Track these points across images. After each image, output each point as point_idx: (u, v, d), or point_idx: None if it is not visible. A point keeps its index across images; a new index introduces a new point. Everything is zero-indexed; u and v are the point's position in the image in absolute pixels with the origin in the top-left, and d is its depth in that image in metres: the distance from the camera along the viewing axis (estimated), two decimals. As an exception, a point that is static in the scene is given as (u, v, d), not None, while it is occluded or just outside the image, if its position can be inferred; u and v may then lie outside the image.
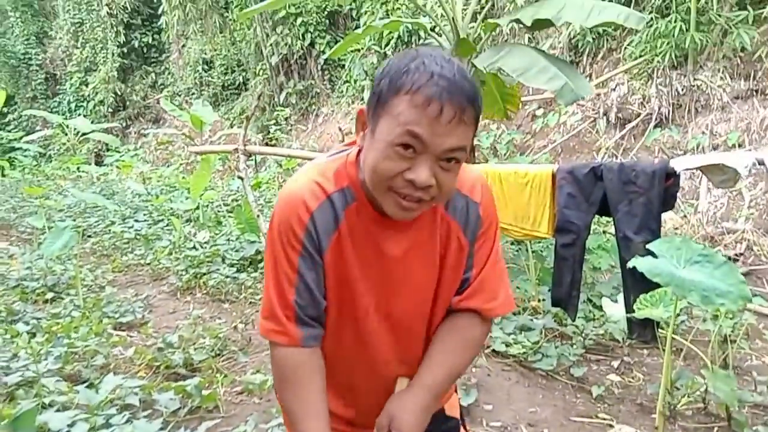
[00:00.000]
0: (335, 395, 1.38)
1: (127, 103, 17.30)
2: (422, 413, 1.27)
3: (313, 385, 1.24)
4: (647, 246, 2.54)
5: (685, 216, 6.02)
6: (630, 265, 2.46)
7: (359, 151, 1.21)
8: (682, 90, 6.80)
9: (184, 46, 15.47)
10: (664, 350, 2.64)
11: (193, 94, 14.85)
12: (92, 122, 13.09)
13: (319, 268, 1.23)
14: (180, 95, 15.49)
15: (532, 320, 3.70)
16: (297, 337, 1.22)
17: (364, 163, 1.17)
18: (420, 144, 1.09)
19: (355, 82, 11.13)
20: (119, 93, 17.06)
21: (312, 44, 11.93)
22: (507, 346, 3.37)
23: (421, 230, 1.26)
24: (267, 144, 11.97)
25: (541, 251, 5.00)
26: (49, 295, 4.69)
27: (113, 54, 16.79)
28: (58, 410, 2.47)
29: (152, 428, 2.33)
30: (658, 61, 6.89)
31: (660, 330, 3.13)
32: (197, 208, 7.26)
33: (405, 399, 1.28)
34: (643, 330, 3.06)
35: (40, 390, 2.74)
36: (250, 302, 4.48)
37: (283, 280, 1.22)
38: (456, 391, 1.61)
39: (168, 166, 12.96)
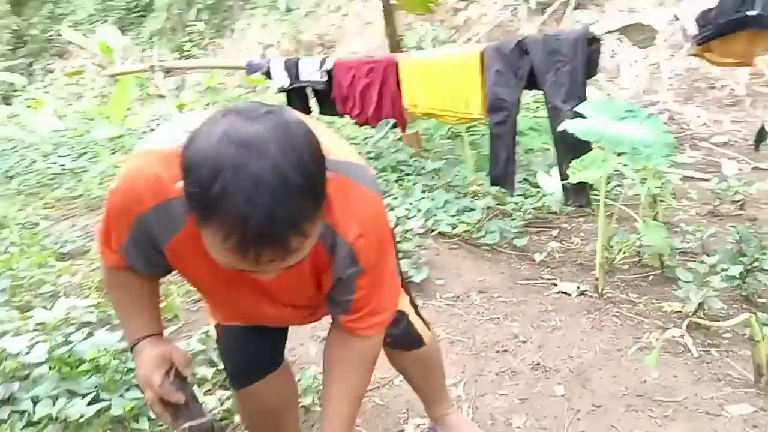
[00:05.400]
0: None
1: (27, 38, 16.03)
2: None
3: (143, 290, 1.31)
4: (575, 110, 2.64)
5: (609, 94, 6.20)
6: (561, 128, 2.56)
7: None
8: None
9: (78, -32, 14.34)
10: (598, 215, 2.79)
11: (96, 21, 13.89)
12: (-9, 63, 12.14)
13: (153, 252, 1.19)
14: (83, 24, 14.46)
15: (473, 202, 3.82)
16: (125, 266, 1.25)
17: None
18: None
19: (268, -10, 10.67)
20: (16, 28, 15.79)
21: (219, -47, 11.30)
22: (452, 227, 3.49)
23: None
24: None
25: (477, 141, 5.09)
26: (-20, 238, 4.49)
27: (1, -14, 15.41)
28: (14, 335, 2.42)
29: (113, 339, 2.32)
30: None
31: (594, 192, 3.30)
32: (121, 136, 6.97)
33: None
34: (578, 195, 3.21)
35: (-9, 322, 2.69)
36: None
37: (113, 236, 1.21)
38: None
39: (81, 100, 12.28)
